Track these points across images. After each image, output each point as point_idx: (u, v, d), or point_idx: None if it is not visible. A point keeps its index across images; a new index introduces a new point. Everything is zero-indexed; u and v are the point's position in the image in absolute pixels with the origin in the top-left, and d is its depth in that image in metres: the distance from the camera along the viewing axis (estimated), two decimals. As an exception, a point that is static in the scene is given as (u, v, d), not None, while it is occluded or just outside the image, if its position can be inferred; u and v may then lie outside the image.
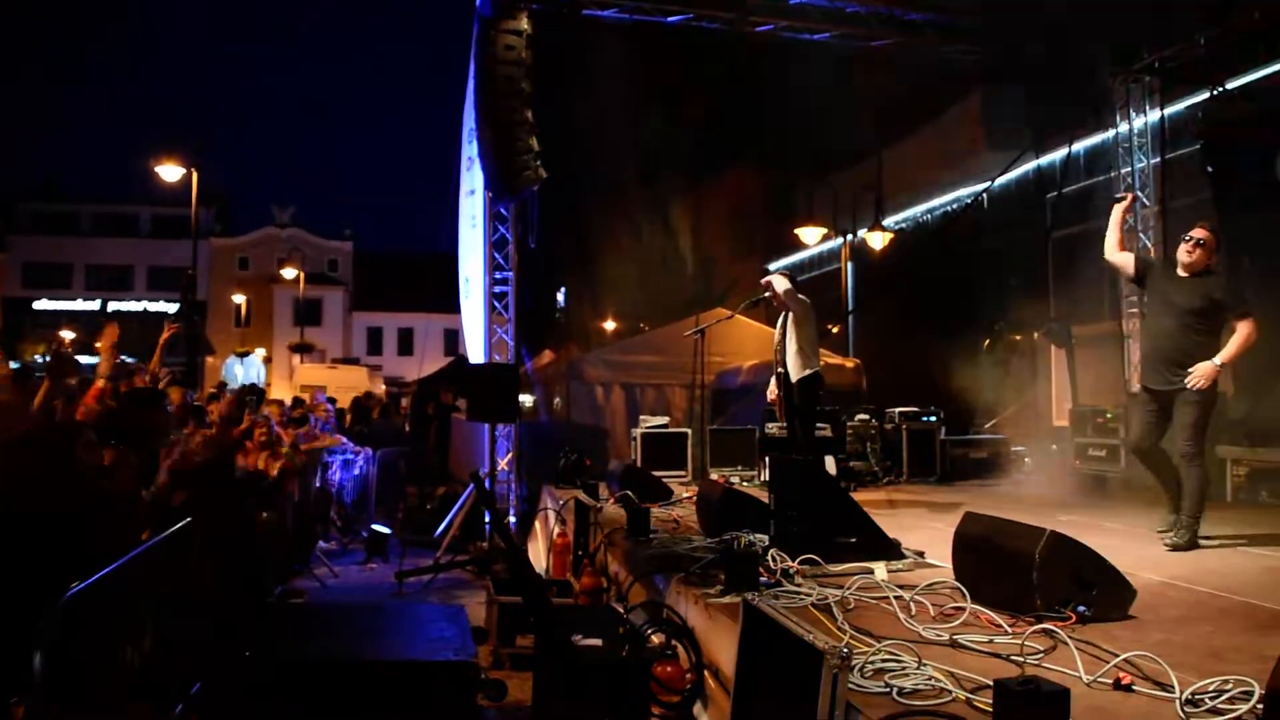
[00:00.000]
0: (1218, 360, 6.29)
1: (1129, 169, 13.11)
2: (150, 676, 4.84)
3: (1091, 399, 12.33)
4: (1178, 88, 12.60)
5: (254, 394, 15.71)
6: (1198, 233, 6.55)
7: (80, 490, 4.65)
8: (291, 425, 12.69)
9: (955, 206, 19.43)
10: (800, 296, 8.97)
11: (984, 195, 16.03)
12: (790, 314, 8.93)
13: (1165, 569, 5.57)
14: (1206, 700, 3.04)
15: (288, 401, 17.48)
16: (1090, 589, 4.23)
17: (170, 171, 19.11)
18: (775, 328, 9.35)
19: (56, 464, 4.60)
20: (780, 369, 9.06)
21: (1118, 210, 7.01)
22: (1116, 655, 3.47)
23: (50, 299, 54.56)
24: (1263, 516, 8.39)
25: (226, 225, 57.58)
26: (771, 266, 24.56)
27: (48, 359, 5.49)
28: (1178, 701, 3.05)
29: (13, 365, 6.52)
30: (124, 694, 4.36)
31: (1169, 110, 12.80)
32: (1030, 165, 15.86)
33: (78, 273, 55.50)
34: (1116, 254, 6.98)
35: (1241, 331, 6.32)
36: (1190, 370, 6.33)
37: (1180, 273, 6.56)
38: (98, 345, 6.54)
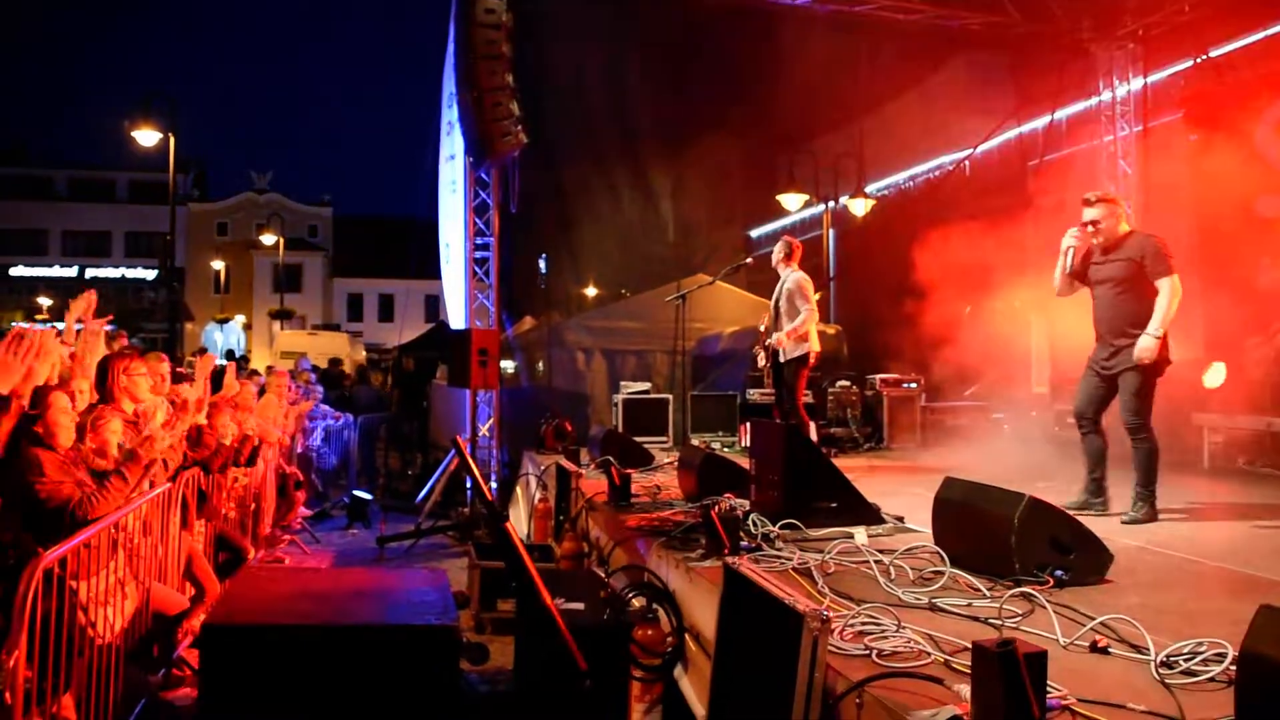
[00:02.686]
0: (1152, 330, 6.10)
1: (1111, 137, 13.12)
2: (133, 637, 4.84)
3: (1071, 367, 12.38)
4: (1162, 56, 12.60)
5: (231, 359, 15.65)
6: (1088, 213, 6.39)
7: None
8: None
9: (937, 173, 19.42)
10: (808, 301, 8.92)
11: (966, 162, 16.03)
12: (788, 289, 8.94)
13: (1142, 534, 5.62)
14: (1181, 662, 3.06)
15: (273, 369, 17.38)
16: (1068, 553, 4.27)
17: (147, 136, 18.84)
18: (769, 298, 9.36)
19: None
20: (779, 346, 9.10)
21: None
22: (1093, 618, 3.50)
23: (26, 265, 53.98)
24: (1239, 484, 8.48)
25: (204, 191, 57.05)
26: (753, 233, 24.53)
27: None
28: (1152, 663, 3.07)
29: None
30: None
31: (1152, 78, 12.80)
32: (1012, 132, 15.85)
33: (54, 239, 54.87)
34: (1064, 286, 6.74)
35: (1164, 292, 6.11)
36: (1129, 344, 6.19)
37: (1100, 256, 6.46)
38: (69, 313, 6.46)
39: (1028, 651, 2.44)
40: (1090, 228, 6.37)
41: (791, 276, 8.96)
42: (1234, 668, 2.66)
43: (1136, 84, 12.86)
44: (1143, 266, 6.17)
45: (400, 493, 13.77)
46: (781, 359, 8.92)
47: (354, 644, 4.06)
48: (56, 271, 54.02)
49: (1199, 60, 11.59)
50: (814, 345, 8.95)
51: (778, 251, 9.17)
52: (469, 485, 11.18)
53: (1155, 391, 6.32)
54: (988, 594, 3.98)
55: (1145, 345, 6.10)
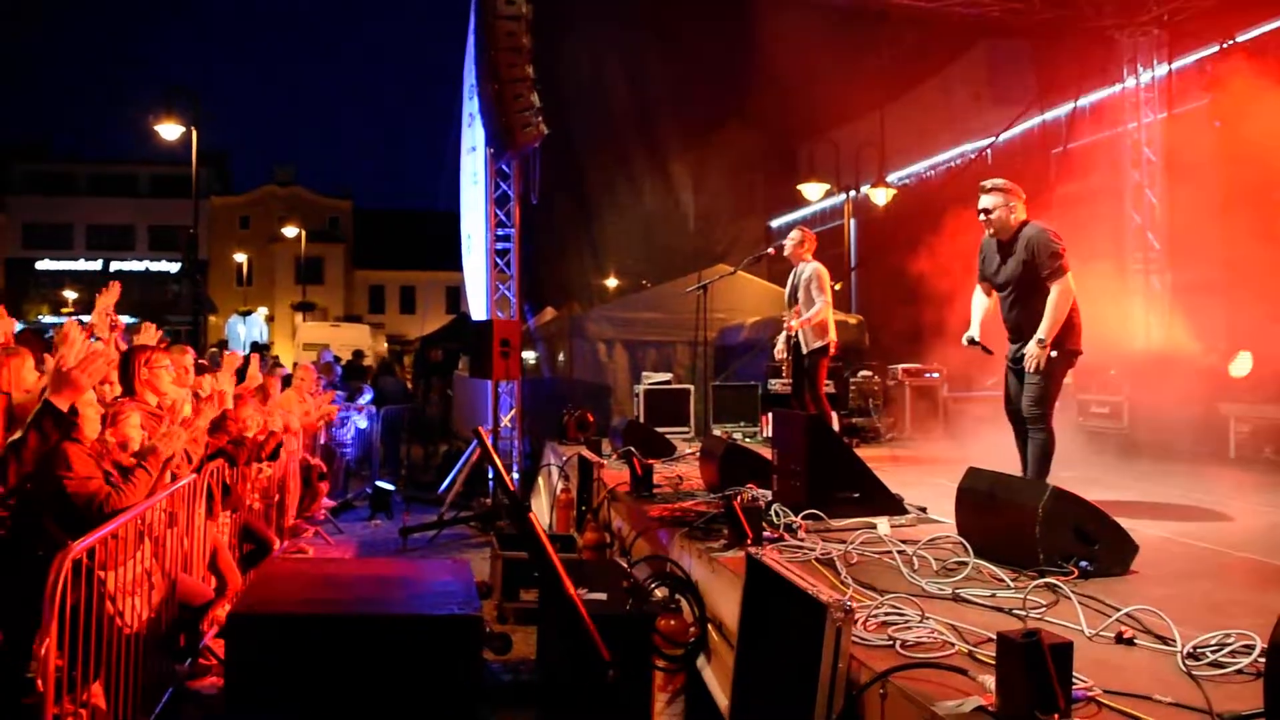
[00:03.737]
0: (1040, 335, 5.87)
1: (1135, 124, 13.01)
2: (159, 627, 4.88)
3: (1095, 355, 12.31)
4: (1186, 41, 12.47)
5: (256, 350, 15.76)
6: (983, 201, 6.12)
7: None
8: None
9: (959, 162, 19.31)
10: (824, 292, 8.91)
11: (988, 150, 15.93)
12: (806, 279, 8.91)
13: (1167, 525, 5.58)
14: (1208, 654, 3.04)
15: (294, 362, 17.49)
16: (1092, 544, 4.24)
17: (169, 130, 18.99)
18: (785, 286, 9.32)
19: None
20: (790, 332, 9.08)
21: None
22: (1118, 609, 3.47)
23: (52, 259, 54.40)
24: (1266, 474, 8.41)
25: (226, 184, 57.32)
26: (774, 223, 24.49)
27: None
28: (1179, 655, 3.05)
29: (18, 326, 6.52)
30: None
31: (1177, 64, 12.67)
32: (1035, 120, 15.74)
33: (78, 233, 55.27)
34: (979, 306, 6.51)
35: (1052, 296, 5.88)
36: (1025, 347, 5.99)
37: (995, 253, 6.22)
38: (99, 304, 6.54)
39: (1053, 642, 2.43)
40: (983, 216, 6.15)
41: (809, 267, 8.93)
42: (1263, 660, 2.63)
43: (1161, 70, 12.73)
44: (1036, 267, 5.95)
45: (422, 484, 13.82)
46: (803, 350, 8.90)
47: (377, 634, 4.09)
48: (81, 265, 54.41)
49: (1225, 45, 11.46)
50: (833, 336, 8.94)
51: (791, 242, 9.14)
52: (491, 476, 11.22)
53: (1061, 383, 6.15)
54: (1012, 585, 3.95)
55: (1031, 353, 5.90)
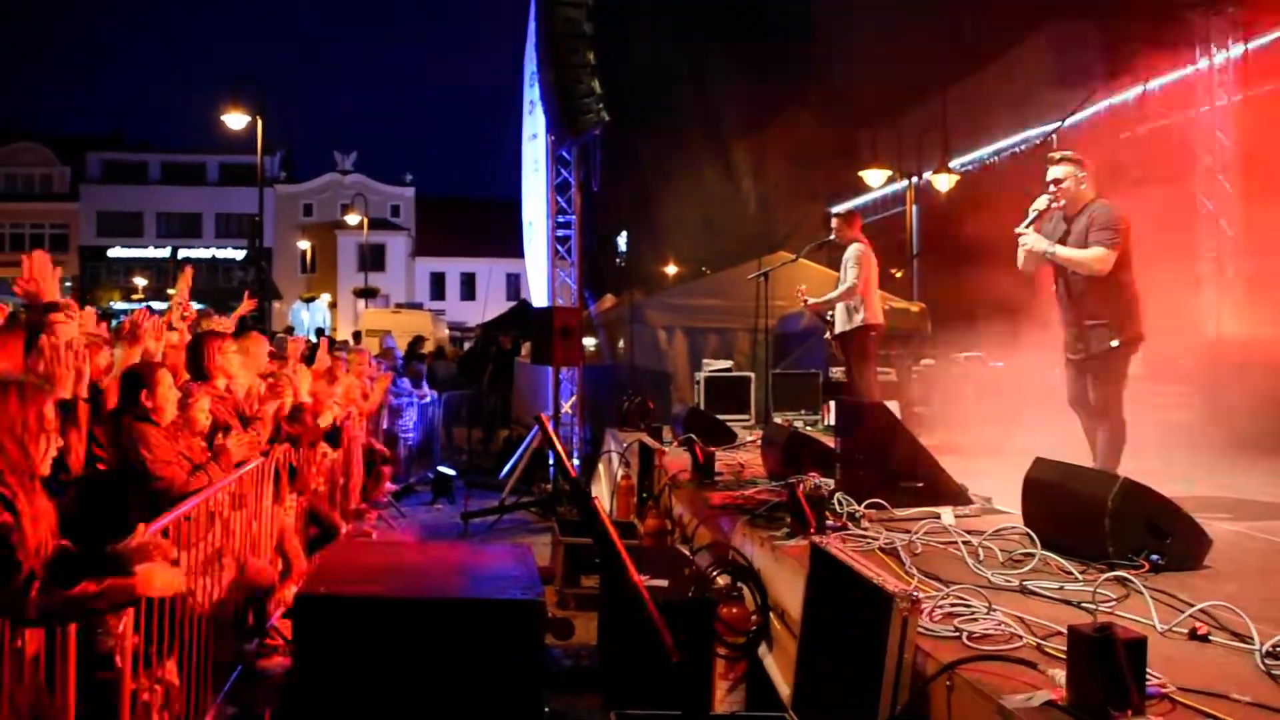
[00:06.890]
0: (1056, 250, 5.74)
1: (1207, 107, 12.69)
2: (229, 607, 4.99)
3: (1163, 344, 12.04)
4: (1264, 19, 12.11)
5: (321, 335, 15.98)
6: (1052, 171, 5.92)
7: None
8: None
9: (1024, 147, 18.99)
10: (855, 273, 8.88)
11: (1054, 135, 15.62)
12: (845, 258, 8.89)
13: (1241, 519, 5.45)
14: (1287, 652, 2.96)
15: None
16: (1165, 537, 4.14)
17: (236, 120, 19.35)
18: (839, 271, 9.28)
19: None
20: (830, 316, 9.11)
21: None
22: (1192, 605, 3.39)
23: (123, 247, 55.67)
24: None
25: (290, 172, 58.20)
26: (835, 209, 24.30)
27: None
28: (1257, 653, 2.97)
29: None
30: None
31: (1253, 44, 12.32)
32: (1103, 103, 15.41)
33: (149, 221, 56.48)
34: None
35: (1092, 250, 5.69)
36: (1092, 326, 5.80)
37: (1063, 224, 5.99)
38: (172, 291, 6.72)
39: (1127, 637, 2.39)
40: (1052, 187, 5.93)
41: (852, 247, 8.93)
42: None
43: (1236, 51, 12.39)
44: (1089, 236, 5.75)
45: (483, 469, 13.94)
46: (836, 332, 8.92)
47: (441, 616, 4.12)
48: (151, 253, 55.68)
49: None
50: (876, 318, 8.86)
51: (836, 224, 9.20)
52: (552, 462, 11.28)
53: (1126, 374, 5.97)
54: (1080, 577, 3.88)
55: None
